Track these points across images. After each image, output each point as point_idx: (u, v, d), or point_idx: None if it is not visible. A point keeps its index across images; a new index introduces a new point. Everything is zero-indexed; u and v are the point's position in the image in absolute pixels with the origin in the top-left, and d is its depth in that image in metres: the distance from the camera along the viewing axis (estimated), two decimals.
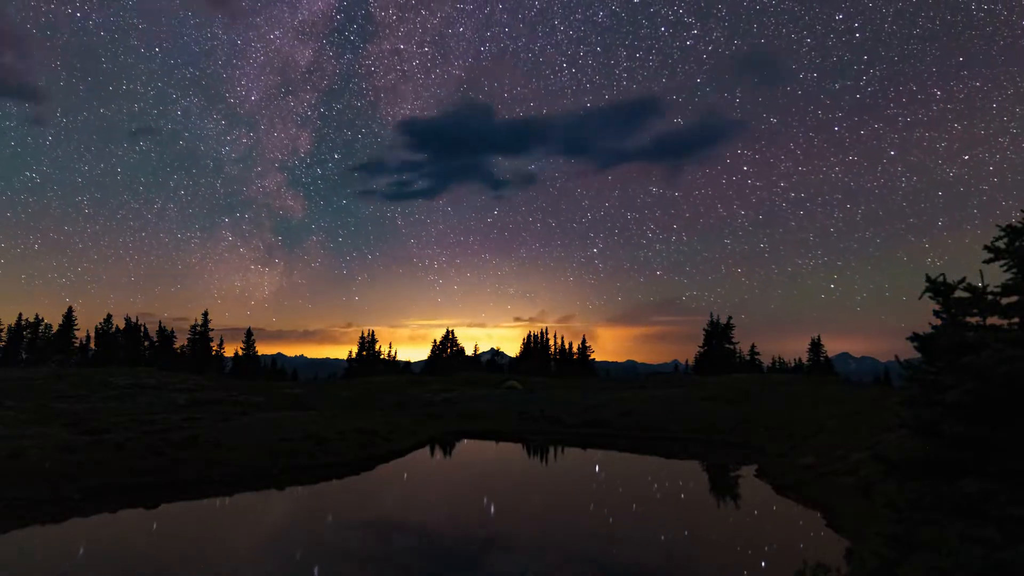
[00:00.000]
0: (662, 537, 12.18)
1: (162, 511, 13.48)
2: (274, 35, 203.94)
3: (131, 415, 22.12)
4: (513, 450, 25.08)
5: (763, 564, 10.45)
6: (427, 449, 23.60)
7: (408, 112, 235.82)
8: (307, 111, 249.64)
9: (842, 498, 13.65)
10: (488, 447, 25.88)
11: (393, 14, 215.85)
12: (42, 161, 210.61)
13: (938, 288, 6.57)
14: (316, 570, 9.97)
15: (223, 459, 17.07)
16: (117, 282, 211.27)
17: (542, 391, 40.48)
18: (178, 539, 11.47)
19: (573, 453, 24.12)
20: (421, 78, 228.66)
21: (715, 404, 30.93)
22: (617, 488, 17.65)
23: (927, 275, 6.69)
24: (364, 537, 12.03)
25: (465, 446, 25.61)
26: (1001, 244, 6.27)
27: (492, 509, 14.88)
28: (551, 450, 24.64)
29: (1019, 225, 6.18)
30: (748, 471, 19.16)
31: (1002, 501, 5.21)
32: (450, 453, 23.66)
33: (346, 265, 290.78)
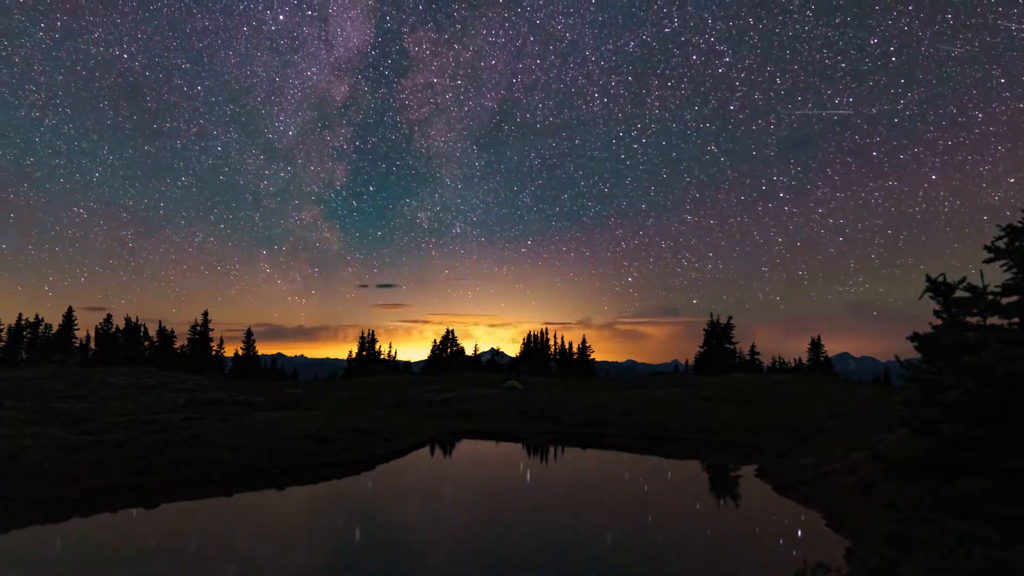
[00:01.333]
0: (662, 537, 12.18)
1: (162, 511, 13.47)
2: (311, 71, 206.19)
3: (131, 415, 22.11)
4: (513, 450, 25.07)
5: (763, 564, 10.45)
6: (427, 449, 23.60)
7: (441, 144, 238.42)
8: (343, 145, 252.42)
9: (842, 498, 13.65)
10: (488, 447, 25.88)
11: (427, 49, 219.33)
12: (89, 197, 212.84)
13: (938, 288, 6.56)
14: (315, 569, 9.98)
15: (223, 459, 17.07)
16: (156, 314, 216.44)
17: (542, 391, 40.47)
18: (179, 539, 11.47)
19: (573, 453, 24.12)
20: (454, 110, 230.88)
21: (715, 404, 30.91)
22: (617, 488, 17.65)
23: (927, 275, 6.68)
24: (363, 537, 12.04)
25: (465, 446, 25.61)
26: (1001, 244, 6.26)
27: (491, 509, 14.88)
28: (551, 450, 24.64)
29: (1019, 225, 6.18)
30: (748, 471, 19.15)
31: (1001, 501, 5.21)
32: (450, 453, 23.66)
33: (380, 296, 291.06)
